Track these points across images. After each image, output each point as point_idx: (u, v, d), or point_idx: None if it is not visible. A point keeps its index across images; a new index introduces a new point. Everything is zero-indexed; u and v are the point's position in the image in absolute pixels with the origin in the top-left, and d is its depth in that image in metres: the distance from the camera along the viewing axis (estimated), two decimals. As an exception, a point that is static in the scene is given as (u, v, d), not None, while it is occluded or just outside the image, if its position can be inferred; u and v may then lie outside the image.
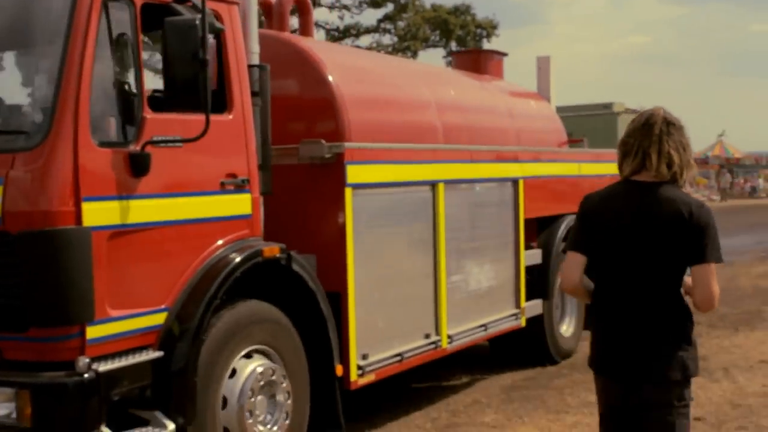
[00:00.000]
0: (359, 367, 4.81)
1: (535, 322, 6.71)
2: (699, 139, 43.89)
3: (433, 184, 5.34)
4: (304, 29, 6.03)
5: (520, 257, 6.35)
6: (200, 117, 3.77)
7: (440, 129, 6.03)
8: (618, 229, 3.00)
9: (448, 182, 5.45)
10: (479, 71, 7.79)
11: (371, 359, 4.92)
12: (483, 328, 5.91)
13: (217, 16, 4.16)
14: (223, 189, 4.24)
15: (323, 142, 4.72)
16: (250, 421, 4.17)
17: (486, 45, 26.77)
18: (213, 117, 3.98)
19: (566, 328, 7.44)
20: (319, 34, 25.12)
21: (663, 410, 2.92)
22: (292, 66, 5.27)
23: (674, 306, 2.99)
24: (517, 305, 6.35)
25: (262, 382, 4.24)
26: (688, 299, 3.01)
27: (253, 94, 4.48)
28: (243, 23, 4.47)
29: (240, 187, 4.32)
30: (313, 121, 5.23)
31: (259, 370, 4.24)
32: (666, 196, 2.94)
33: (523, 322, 6.41)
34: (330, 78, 5.15)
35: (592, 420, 5.28)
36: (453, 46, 26.57)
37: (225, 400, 4.13)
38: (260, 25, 6.02)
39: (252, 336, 4.26)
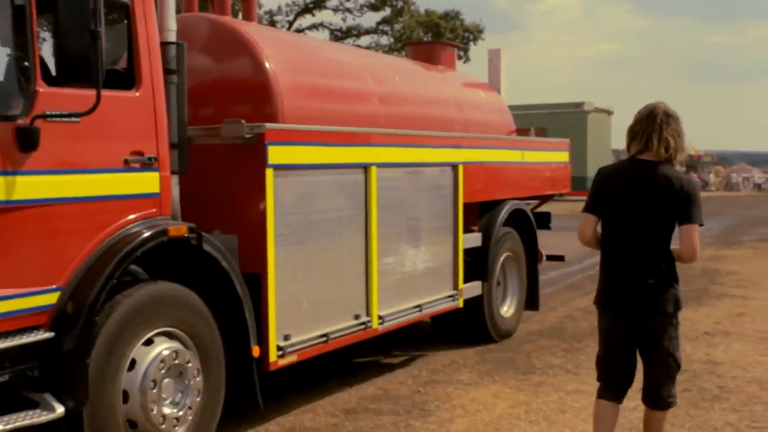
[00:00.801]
0: (280, 348, 4.77)
1: (474, 302, 6.84)
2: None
3: (366, 167, 5.29)
4: (247, 14, 6.14)
5: (459, 240, 6.39)
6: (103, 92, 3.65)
7: (382, 116, 6.09)
8: (625, 195, 3.88)
9: (381, 165, 5.39)
10: (432, 62, 7.98)
11: (294, 340, 4.88)
12: (418, 308, 5.96)
13: None
14: (127, 167, 4.13)
15: (243, 121, 4.64)
16: (155, 412, 4.06)
17: (472, 47, 30.45)
18: (118, 93, 4.00)
19: (507, 309, 7.59)
20: (323, 34, 28.89)
21: (662, 333, 3.92)
22: (230, 49, 5.28)
23: (666, 255, 3.90)
24: (455, 287, 6.43)
25: (164, 370, 4.14)
26: None
27: (169, 71, 4.41)
28: (157, 0, 4.40)
29: (147, 165, 4.21)
30: (248, 104, 5.21)
31: (162, 355, 4.12)
32: (663, 173, 3.84)
33: (460, 303, 6.51)
34: (266, 62, 5.14)
35: (555, 380, 6.40)
36: None
37: (126, 394, 4.01)
38: (204, 8, 6.01)
39: (157, 317, 4.15)
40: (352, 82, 6.11)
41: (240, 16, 6.93)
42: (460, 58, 30.39)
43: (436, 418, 5.45)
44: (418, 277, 5.96)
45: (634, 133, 3.97)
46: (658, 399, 4.03)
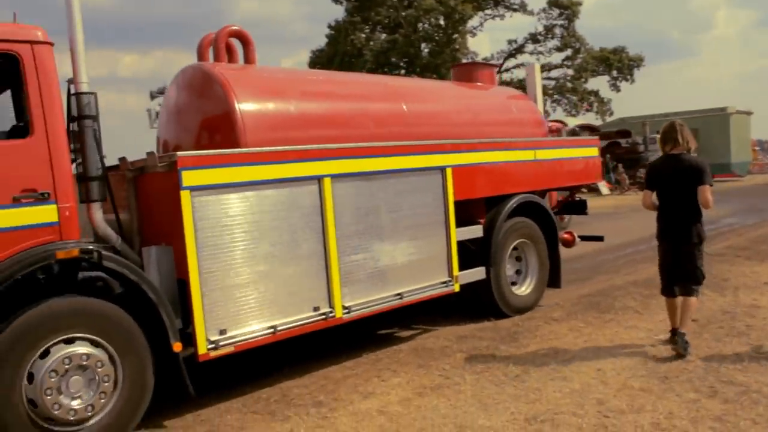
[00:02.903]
0: (212, 342, 5.11)
1: (482, 284, 7.41)
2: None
3: (319, 179, 5.77)
4: (247, 58, 6.86)
5: (451, 233, 6.91)
6: None
7: (376, 135, 6.72)
8: (667, 175, 5.94)
9: (337, 176, 5.90)
10: (472, 80, 9.06)
11: (231, 333, 5.22)
12: (398, 296, 6.36)
13: (14, 56, 4.56)
14: (16, 203, 4.54)
15: (155, 153, 5.19)
16: (50, 397, 4.40)
17: (636, 74, 38.59)
18: (4, 142, 4.64)
19: (524, 288, 8.07)
20: (524, 72, 32.84)
21: (691, 252, 5.91)
22: (207, 89, 6.07)
23: (694, 208, 5.84)
24: (450, 274, 6.93)
25: (68, 366, 4.49)
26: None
27: (85, 117, 4.95)
28: (72, 58, 4.95)
29: (40, 200, 4.62)
30: (220, 134, 5.94)
31: (69, 354, 4.51)
32: (686, 158, 5.90)
33: (456, 288, 6.97)
34: (232, 99, 5.84)
35: (622, 318, 7.30)
36: (614, 74, 38.40)
37: (32, 376, 4.40)
38: (217, 58, 6.78)
39: (65, 326, 4.52)
40: (339, 107, 6.77)
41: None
42: (626, 79, 38.25)
43: (518, 344, 6.54)
44: (398, 269, 6.40)
45: (665, 138, 6.04)
46: (684, 290, 5.98)
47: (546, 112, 37.12)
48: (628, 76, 38.72)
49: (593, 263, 11.36)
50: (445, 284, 6.84)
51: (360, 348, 6.70)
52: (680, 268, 5.97)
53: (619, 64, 38.29)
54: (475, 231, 7.37)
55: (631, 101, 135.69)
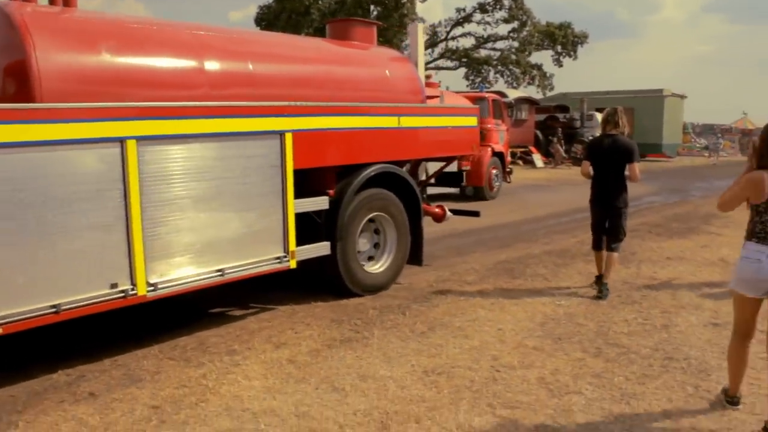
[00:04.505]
0: None
1: (328, 260, 6.83)
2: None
3: (122, 141, 5.01)
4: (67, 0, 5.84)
5: (288, 205, 6.22)
6: None
7: (204, 96, 5.88)
8: (603, 151, 7.11)
9: (144, 138, 5.14)
10: (347, 39, 8.14)
11: (1, 313, 4.58)
12: (219, 272, 5.72)
13: None
14: None
15: None
16: None
17: (579, 51, 39.75)
18: None
19: (379, 265, 7.51)
20: (470, 40, 39.38)
21: (619, 215, 7.16)
22: (4, 30, 5.19)
23: (623, 179, 7.06)
24: (285, 250, 6.23)
25: None
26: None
27: None
28: None
29: None
30: (14, 83, 5.14)
31: None
32: (621, 139, 7.07)
33: (292, 264, 6.28)
34: (29, 45, 5.03)
35: (531, 284, 7.85)
36: (558, 49, 39.44)
37: None
38: None
39: None
40: (169, 64, 5.85)
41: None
42: (569, 55, 39.18)
43: (429, 304, 6.89)
44: (221, 243, 5.76)
45: (608, 120, 7.20)
46: (609, 247, 7.27)
47: (488, 83, 37.63)
48: (572, 52, 39.67)
49: (516, 232, 11.82)
50: (278, 260, 6.20)
51: (278, 302, 6.94)
52: (609, 227, 7.25)
53: (563, 39, 39.21)
54: (320, 203, 6.73)
55: (574, 76, 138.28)
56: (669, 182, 22.68)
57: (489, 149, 17.05)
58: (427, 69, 39.19)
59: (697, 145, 43.60)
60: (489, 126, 17.18)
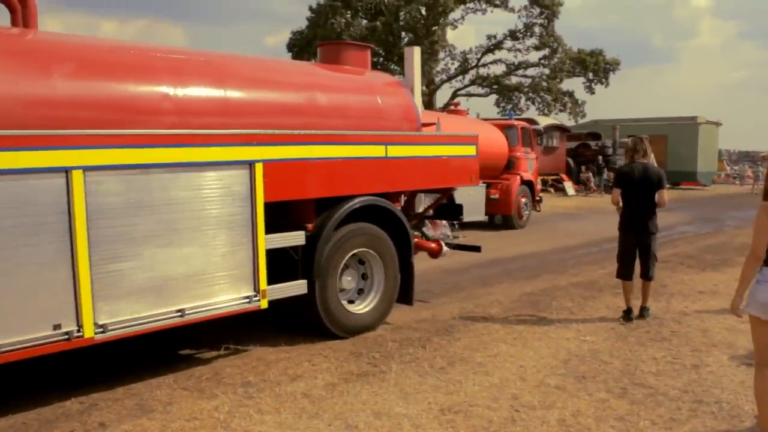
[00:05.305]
0: None
1: (305, 300, 6.37)
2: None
3: (66, 171, 4.71)
4: (26, 20, 5.66)
5: (258, 240, 5.81)
6: None
7: (169, 124, 5.57)
8: (635, 179, 7.28)
9: (92, 169, 4.83)
10: (339, 62, 7.76)
11: None
12: (179, 313, 5.33)
13: None
14: None
15: None
16: None
17: (612, 77, 39.29)
18: None
19: (364, 305, 7.03)
20: (501, 67, 39.15)
21: (650, 240, 7.35)
22: None
23: (653, 205, 7.28)
24: (256, 288, 5.82)
25: None
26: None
27: None
28: None
29: None
30: None
31: None
32: (650, 166, 7.36)
33: (263, 304, 5.87)
34: None
35: (557, 317, 7.60)
36: (590, 76, 38.89)
37: None
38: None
39: None
40: (131, 90, 5.52)
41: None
42: (600, 82, 38.54)
43: (450, 337, 6.73)
44: (181, 281, 5.37)
45: (636, 149, 7.44)
46: (646, 275, 7.42)
47: (519, 109, 37.51)
48: (603, 79, 39.29)
49: (544, 262, 11.62)
50: (248, 300, 5.77)
51: (297, 332, 6.84)
52: (641, 251, 7.40)
53: (595, 66, 38.88)
54: (294, 238, 6.26)
55: (606, 103, 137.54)
56: (703, 211, 22.21)
57: (518, 177, 16.87)
58: (457, 96, 39.27)
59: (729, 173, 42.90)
60: (518, 154, 17.02)
